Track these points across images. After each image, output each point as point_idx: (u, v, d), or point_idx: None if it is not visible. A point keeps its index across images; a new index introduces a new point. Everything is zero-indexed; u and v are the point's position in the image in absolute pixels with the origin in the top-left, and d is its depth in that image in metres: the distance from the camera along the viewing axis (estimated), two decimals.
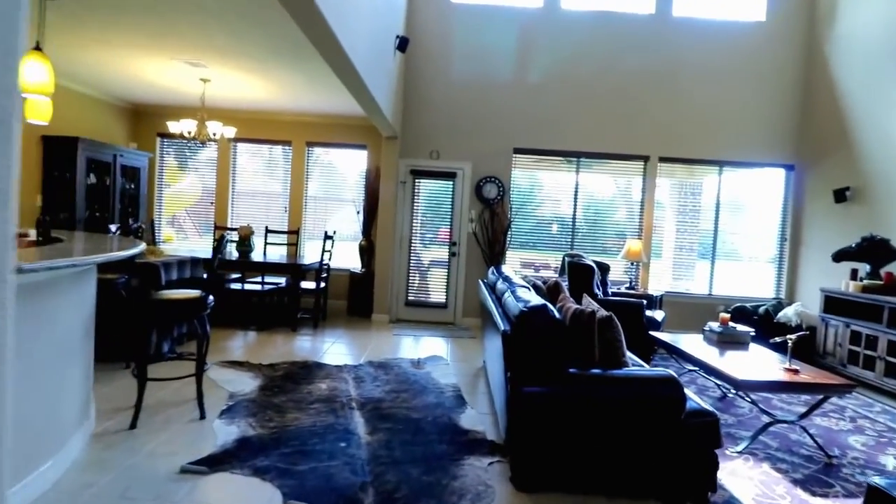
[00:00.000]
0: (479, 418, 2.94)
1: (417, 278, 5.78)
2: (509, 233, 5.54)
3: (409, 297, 5.75)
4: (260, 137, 6.22)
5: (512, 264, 5.79)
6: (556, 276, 5.37)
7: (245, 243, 5.02)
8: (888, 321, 3.92)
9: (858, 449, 2.84)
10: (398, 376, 3.58)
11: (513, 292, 2.64)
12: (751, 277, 5.89)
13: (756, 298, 5.65)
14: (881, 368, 3.93)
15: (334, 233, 5.29)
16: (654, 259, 5.79)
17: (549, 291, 3.32)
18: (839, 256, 4.46)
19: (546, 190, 5.91)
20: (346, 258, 6.13)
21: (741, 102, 5.63)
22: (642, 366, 2.69)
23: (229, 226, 5.99)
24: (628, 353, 3.03)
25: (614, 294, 4.97)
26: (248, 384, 3.25)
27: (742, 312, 5.29)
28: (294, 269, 4.86)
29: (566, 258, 4.75)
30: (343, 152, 6.28)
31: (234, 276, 5.48)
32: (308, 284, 5.11)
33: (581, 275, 4.47)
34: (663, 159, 5.67)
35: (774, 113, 5.64)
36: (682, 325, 5.64)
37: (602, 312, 2.38)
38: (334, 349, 4.33)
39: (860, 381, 4.08)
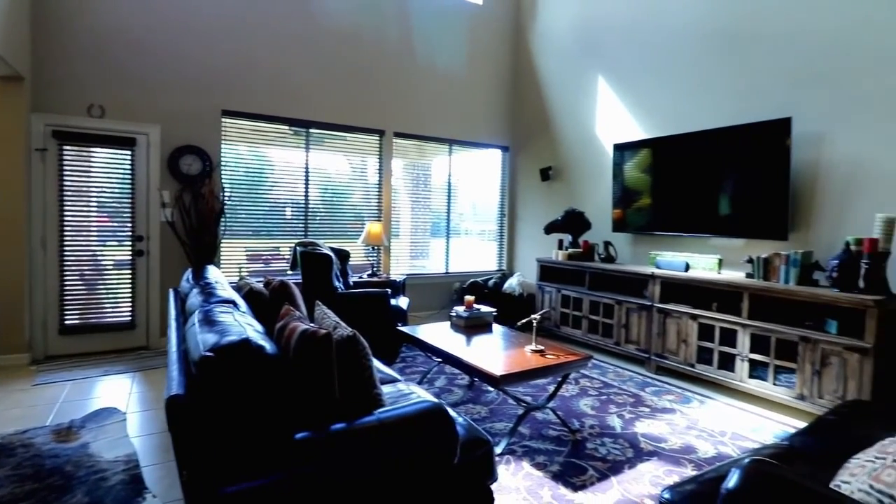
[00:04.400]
0: None
1: (82, 291, 4.00)
2: (223, 219, 4.34)
3: (67, 321, 3.91)
4: None
5: (235, 257, 4.61)
6: (289, 267, 4.48)
7: None
8: (589, 284, 4.46)
9: (590, 414, 2.96)
10: (21, 467, 2.15)
11: (206, 315, 1.68)
12: (477, 252, 6.21)
13: (484, 272, 5.97)
14: (586, 326, 4.46)
15: None
16: (393, 240, 5.48)
17: (274, 298, 2.46)
18: (549, 229, 4.93)
19: (275, 167, 4.87)
20: None
21: (466, 84, 5.73)
22: (397, 386, 2.11)
23: None
24: (377, 364, 2.46)
25: (357, 284, 4.40)
26: None
27: (476, 287, 5.47)
28: None
29: (298, 248, 3.91)
30: None
31: None
32: None
33: (317, 267, 3.71)
34: (398, 134, 5.34)
35: (492, 96, 5.96)
36: (425, 307, 5.53)
37: (342, 331, 1.67)
38: None
39: (571, 339, 4.59)
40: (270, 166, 4.86)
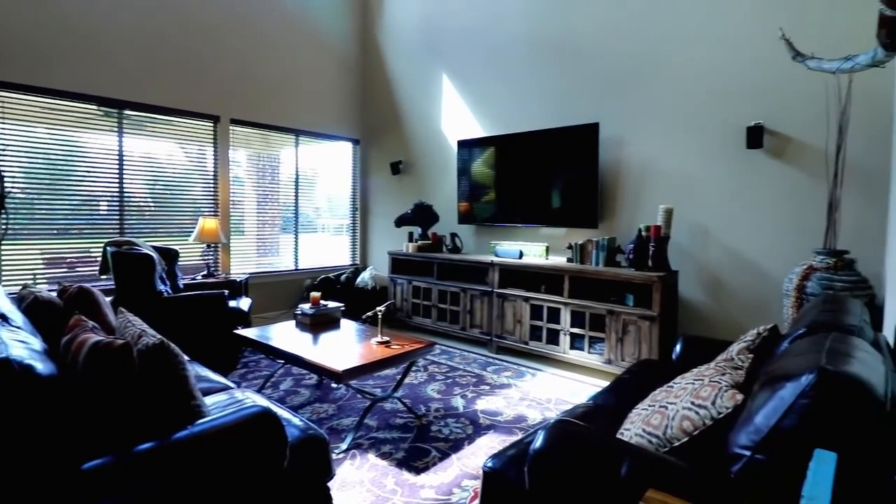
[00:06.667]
0: None
1: None
2: (2, 216, 3.54)
3: None
4: None
5: (26, 262, 3.80)
6: (98, 272, 3.84)
7: None
8: (437, 274, 4.65)
9: (436, 398, 3.09)
10: None
11: None
12: (332, 247, 6.05)
13: (338, 267, 5.85)
14: (435, 314, 4.64)
15: None
16: (236, 237, 5.05)
17: (71, 308, 2.09)
18: (399, 222, 5.00)
19: (86, 154, 4.09)
20: None
21: (313, 74, 5.50)
22: (233, 394, 1.95)
23: None
24: (206, 373, 2.24)
25: (188, 287, 3.96)
26: None
27: (328, 282, 5.33)
28: None
29: (108, 249, 3.37)
30: None
31: None
32: None
33: (133, 269, 3.25)
34: (236, 122, 4.91)
35: (342, 88, 5.81)
36: (273, 307, 5.22)
37: (148, 340, 1.48)
38: None
39: (422, 328, 4.73)
40: (79, 153, 4.09)
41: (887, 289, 2.54)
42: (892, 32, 1.67)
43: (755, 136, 3.25)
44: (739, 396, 1.29)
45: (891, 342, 1.94)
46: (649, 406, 1.59)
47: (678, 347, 2.41)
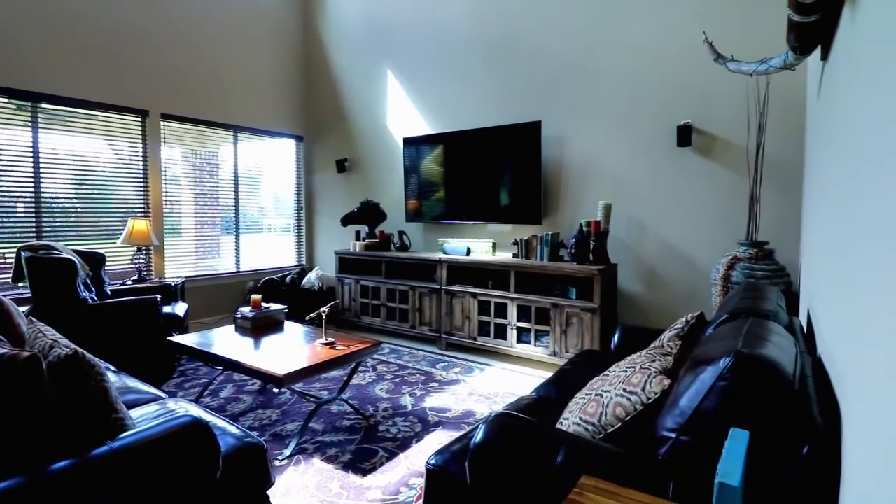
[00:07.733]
0: None
1: None
2: None
3: None
4: None
5: None
6: (11, 279, 3.53)
7: None
8: (385, 273, 4.60)
9: (385, 397, 3.06)
10: None
11: None
12: (275, 247, 5.85)
13: (283, 268, 5.67)
14: (384, 313, 4.59)
15: None
16: (172, 239, 4.78)
17: None
18: (346, 220, 4.91)
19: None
20: None
21: (253, 68, 5.28)
22: (166, 405, 1.84)
23: None
24: (135, 385, 2.11)
25: (116, 293, 3.71)
26: None
27: (272, 284, 5.16)
28: None
29: (23, 254, 3.10)
30: None
31: None
32: None
33: (52, 276, 2.99)
34: (167, 116, 4.64)
35: (284, 84, 5.62)
36: (214, 311, 5.00)
37: (60, 351, 1.36)
38: None
39: (371, 328, 4.67)
40: None
41: (802, 276, 2.75)
42: (800, 37, 1.80)
43: (684, 135, 3.42)
44: (667, 382, 1.35)
45: (804, 325, 2.10)
46: (586, 395, 1.64)
47: (616, 337, 2.50)
